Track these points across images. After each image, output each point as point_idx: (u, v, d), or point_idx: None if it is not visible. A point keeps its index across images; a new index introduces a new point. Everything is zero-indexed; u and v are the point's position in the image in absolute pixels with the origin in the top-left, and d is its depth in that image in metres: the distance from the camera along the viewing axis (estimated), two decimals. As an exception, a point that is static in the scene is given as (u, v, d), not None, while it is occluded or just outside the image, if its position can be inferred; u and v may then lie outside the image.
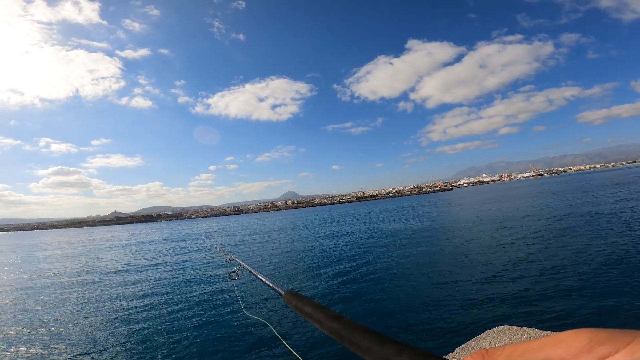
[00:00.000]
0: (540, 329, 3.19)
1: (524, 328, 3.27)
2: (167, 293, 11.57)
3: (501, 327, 3.43)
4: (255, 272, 1.17)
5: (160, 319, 8.63)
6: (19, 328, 8.80)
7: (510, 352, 0.29)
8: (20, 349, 7.30)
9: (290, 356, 5.89)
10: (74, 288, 13.95)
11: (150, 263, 19.78)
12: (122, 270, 17.93)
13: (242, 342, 6.73)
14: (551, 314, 6.62)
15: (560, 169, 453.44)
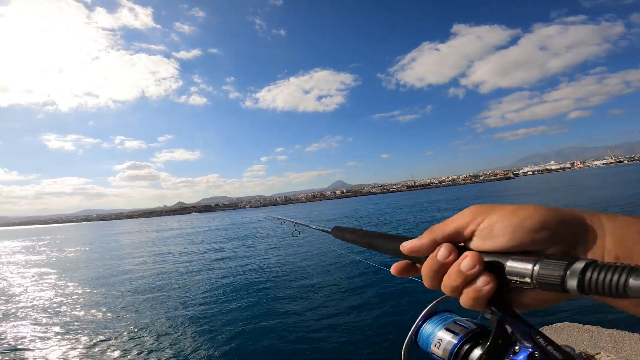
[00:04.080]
0: (603, 327, 3.14)
1: (586, 325, 3.19)
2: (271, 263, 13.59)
3: (561, 323, 3.33)
4: (306, 223, 1.41)
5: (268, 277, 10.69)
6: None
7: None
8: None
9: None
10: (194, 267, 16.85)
11: (231, 244, 22.56)
12: (213, 250, 20.97)
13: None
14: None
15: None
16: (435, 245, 0.41)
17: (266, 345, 5.75)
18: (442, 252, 0.40)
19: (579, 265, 0.30)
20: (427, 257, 0.42)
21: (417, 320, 0.47)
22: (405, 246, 0.44)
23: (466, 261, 0.37)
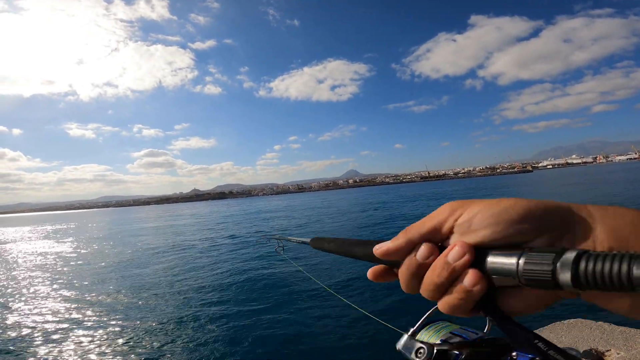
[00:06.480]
0: (616, 325, 3.09)
1: (599, 322, 3.16)
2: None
3: (574, 320, 3.29)
4: (287, 237, 1.38)
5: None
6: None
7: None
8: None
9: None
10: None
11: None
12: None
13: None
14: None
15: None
16: (411, 246, 0.38)
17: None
18: (422, 251, 0.37)
19: (570, 255, 0.26)
20: (404, 260, 0.39)
21: (410, 332, 0.44)
22: (379, 249, 0.41)
23: (455, 250, 0.34)
